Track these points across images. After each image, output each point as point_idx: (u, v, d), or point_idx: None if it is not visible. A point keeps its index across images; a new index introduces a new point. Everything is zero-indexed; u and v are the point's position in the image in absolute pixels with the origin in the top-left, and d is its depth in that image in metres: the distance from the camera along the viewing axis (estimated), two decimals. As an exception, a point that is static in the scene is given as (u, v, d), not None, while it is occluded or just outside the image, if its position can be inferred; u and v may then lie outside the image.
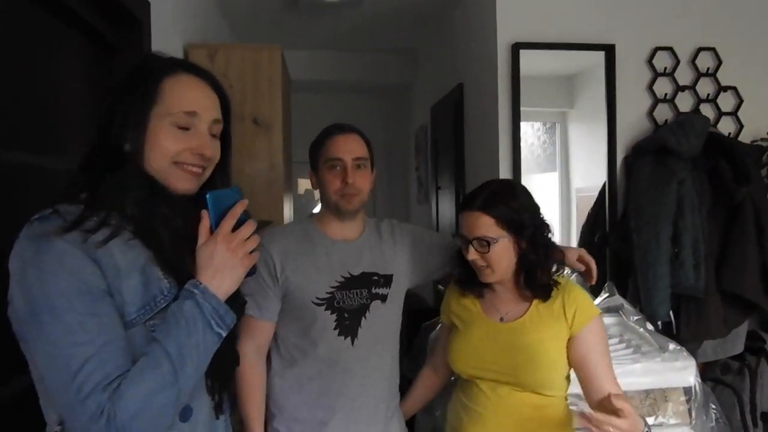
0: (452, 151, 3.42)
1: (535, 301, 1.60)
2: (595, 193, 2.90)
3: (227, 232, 1.01)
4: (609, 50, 2.61)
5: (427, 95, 4.34)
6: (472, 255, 1.55)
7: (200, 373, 0.99)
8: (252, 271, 1.05)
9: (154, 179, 1.02)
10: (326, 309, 1.59)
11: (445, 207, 3.71)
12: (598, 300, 2.45)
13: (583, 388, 1.56)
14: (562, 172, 3.05)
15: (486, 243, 1.54)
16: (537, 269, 1.58)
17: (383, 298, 1.67)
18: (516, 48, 2.56)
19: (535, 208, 1.60)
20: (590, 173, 3.03)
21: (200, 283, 0.98)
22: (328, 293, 1.60)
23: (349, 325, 1.61)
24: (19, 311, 0.90)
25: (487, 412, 1.59)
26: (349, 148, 1.61)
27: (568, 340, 1.56)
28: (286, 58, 2.83)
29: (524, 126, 2.92)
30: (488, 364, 1.58)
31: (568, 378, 1.60)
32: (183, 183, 1.04)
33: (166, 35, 2.23)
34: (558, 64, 2.65)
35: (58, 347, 0.89)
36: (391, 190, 5.58)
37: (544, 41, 2.57)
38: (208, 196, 1.02)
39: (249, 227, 1.03)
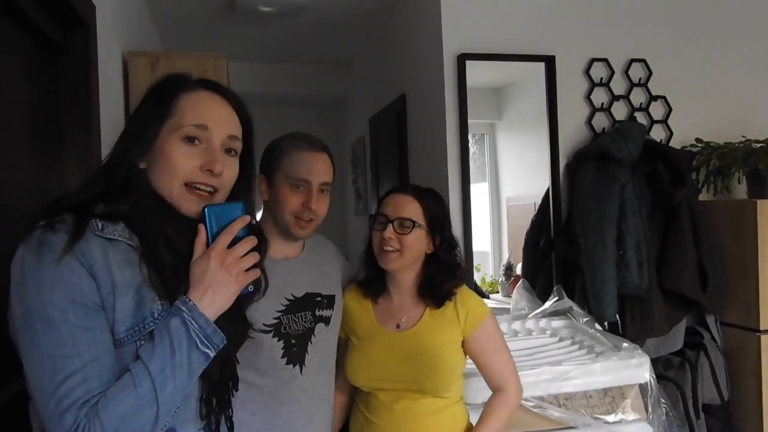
0: (395, 161, 3.43)
1: (429, 308, 1.67)
2: (526, 202, 3.00)
3: (222, 248, 0.97)
4: (549, 61, 2.70)
5: (363, 107, 4.34)
6: (390, 233, 1.60)
7: (183, 393, 0.94)
8: (247, 290, 1.01)
9: (163, 199, 0.99)
10: (273, 336, 1.48)
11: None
12: (548, 303, 2.51)
13: (483, 376, 1.68)
14: (492, 182, 3.13)
15: (408, 225, 1.60)
16: (440, 275, 1.66)
17: (327, 321, 1.58)
18: (462, 59, 2.60)
19: (450, 223, 1.71)
20: (520, 183, 3.12)
21: (189, 301, 0.95)
22: (275, 318, 1.48)
23: (296, 351, 1.50)
24: (14, 316, 0.90)
25: (389, 423, 1.61)
26: (319, 171, 1.51)
27: (463, 341, 1.65)
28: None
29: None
30: (389, 375, 1.61)
31: (461, 377, 1.68)
32: (190, 206, 1.00)
33: (110, 41, 2.13)
34: (485, 76, 2.70)
35: (47, 358, 0.88)
36: (326, 203, 5.53)
37: (489, 52, 2.63)
38: (206, 210, 0.98)
39: (246, 244, 0.99)
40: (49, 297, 0.88)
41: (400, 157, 3.33)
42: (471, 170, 2.67)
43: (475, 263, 2.88)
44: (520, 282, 2.81)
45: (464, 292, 1.69)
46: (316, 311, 1.56)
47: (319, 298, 1.57)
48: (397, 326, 1.67)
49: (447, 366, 1.62)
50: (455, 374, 1.65)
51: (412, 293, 1.69)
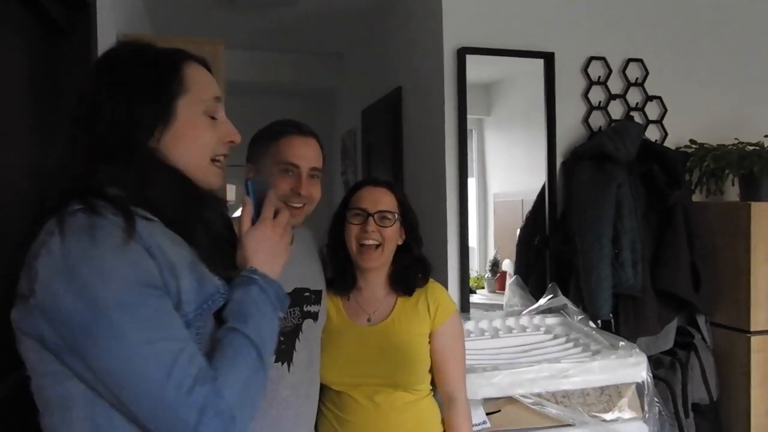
0: (388, 153, 3.41)
1: (400, 299, 1.68)
2: (513, 198, 3.01)
3: (271, 217, 1.00)
4: (549, 58, 2.69)
5: (355, 99, 4.31)
6: (372, 227, 1.60)
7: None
8: None
9: (184, 175, 0.95)
10: None
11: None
12: (543, 300, 2.52)
13: (434, 379, 1.68)
14: (480, 178, 3.12)
15: (390, 218, 1.62)
16: (411, 268, 1.69)
17: (314, 316, 1.56)
18: (462, 53, 2.58)
19: (416, 216, 1.74)
20: (507, 179, 3.13)
21: (257, 269, 0.97)
22: None
23: (285, 349, 1.47)
24: (70, 314, 0.80)
25: (364, 420, 1.61)
26: (308, 156, 1.49)
27: (430, 334, 1.67)
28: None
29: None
30: (363, 370, 1.60)
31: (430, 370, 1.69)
32: (217, 179, 0.99)
33: (107, 22, 2.08)
34: (477, 72, 2.69)
35: (144, 344, 0.81)
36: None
37: (489, 47, 2.61)
38: (249, 183, 1.01)
39: (286, 215, 1.03)
40: (120, 283, 0.82)
41: (394, 150, 3.30)
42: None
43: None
44: (513, 279, 2.81)
45: (435, 286, 1.72)
46: (304, 307, 1.53)
47: (307, 294, 1.55)
48: (368, 320, 1.67)
49: (419, 359, 1.64)
50: (426, 366, 1.66)
51: (383, 285, 1.69)
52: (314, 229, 1.75)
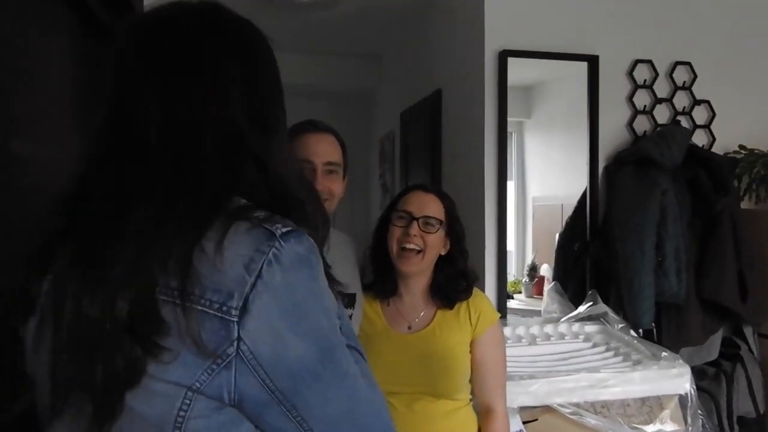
0: (427, 157, 3.40)
1: (441, 309, 1.67)
2: (552, 203, 2.96)
3: None
4: (592, 61, 2.64)
5: (394, 101, 4.31)
6: (415, 231, 1.58)
7: None
8: None
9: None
10: None
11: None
12: (582, 308, 2.47)
13: (473, 389, 1.66)
14: (519, 182, 3.08)
15: (434, 224, 1.60)
16: (453, 281, 1.67)
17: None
18: (504, 55, 2.55)
19: (463, 228, 1.72)
20: (547, 183, 3.08)
21: None
22: None
23: None
24: (301, 361, 0.69)
25: (403, 428, 1.57)
26: (321, 151, 1.48)
27: (471, 343, 1.65)
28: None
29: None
30: (402, 378, 1.58)
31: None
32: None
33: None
34: (515, 74, 2.66)
35: (360, 388, 0.74)
36: (351, 197, 5.51)
37: (531, 50, 2.58)
38: None
39: None
40: (334, 317, 0.74)
41: (433, 152, 3.29)
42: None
43: None
44: (551, 285, 2.77)
45: (478, 294, 1.71)
46: None
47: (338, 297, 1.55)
48: (409, 327, 1.66)
49: (460, 367, 1.62)
50: (467, 376, 1.64)
51: (424, 294, 1.68)
52: (353, 234, 1.76)
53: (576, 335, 2.40)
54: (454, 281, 1.68)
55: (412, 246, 1.59)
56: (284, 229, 0.69)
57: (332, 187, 1.50)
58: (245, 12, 0.85)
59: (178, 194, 0.70)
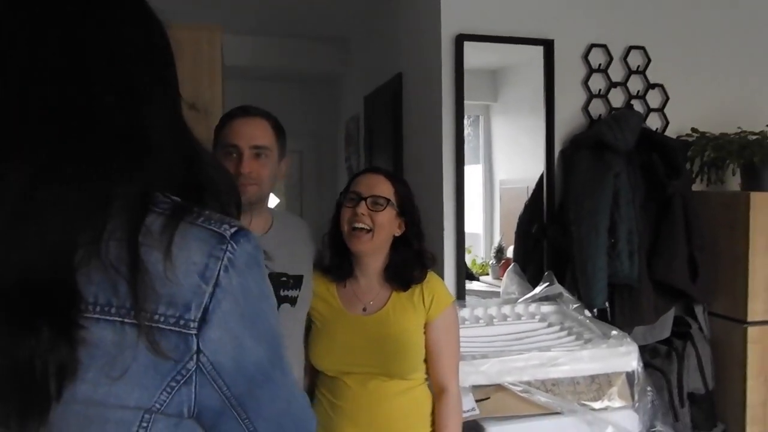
0: (389, 140, 3.40)
1: (396, 291, 1.70)
2: (519, 186, 2.99)
3: None
4: (548, 45, 2.67)
5: (359, 85, 4.30)
6: (363, 210, 1.61)
7: None
8: None
9: None
10: None
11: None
12: (539, 288, 2.52)
13: (427, 369, 1.70)
14: (486, 165, 3.12)
15: (382, 203, 1.62)
16: (409, 261, 1.70)
17: (292, 301, 1.58)
18: (460, 39, 2.56)
19: (418, 210, 1.75)
20: (514, 166, 3.12)
21: None
22: None
23: None
24: (256, 364, 0.67)
25: (356, 406, 1.64)
26: (248, 134, 1.50)
27: (425, 325, 1.69)
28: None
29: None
30: (357, 358, 1.63)
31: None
32: None
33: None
34: (482, 58, 2.68)
35: (295, 391, 0.74)
36: (319, 180, 5.52)
37: (488, 34, 2.59)
38: None
39: None
40: (277, 314, 0.73)
41: (395, 136, 3.30)
42: (465, 152, 2.65)
43: (467, 245, 2.89)
44: (511, 266, 2.81)
45: (432, 278, 1.73)
46: (281, 291, 1.56)
47: (284, 278, 1.57)
48: (364, 309, 1.69)
49: (414, 349, 1.66)
50: (421, 357, 1.68)
51: (379, 276, 1.71)
52: (321, 218, 1.77)
53: (532, 315, 2.45)
54: (409, 264, 1.71)
55: (361, 225, 1.61)
56: (232, 230, 0.66)
57: (260, 171, 1.51)
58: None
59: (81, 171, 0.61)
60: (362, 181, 1.68)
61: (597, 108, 2.77)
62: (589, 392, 1.99)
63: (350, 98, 4.72)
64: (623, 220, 2.45)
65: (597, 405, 1.96)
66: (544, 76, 2.69)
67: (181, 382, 0.62)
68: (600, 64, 2.76)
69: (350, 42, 4.69)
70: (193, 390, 0.63)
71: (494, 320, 2.40)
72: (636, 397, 2.01)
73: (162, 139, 0.67)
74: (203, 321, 0.62)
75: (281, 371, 0.70)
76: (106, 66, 0.65)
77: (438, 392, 1.70)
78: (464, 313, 2.43)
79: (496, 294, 2.76)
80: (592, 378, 2.02)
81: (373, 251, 1.66)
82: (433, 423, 1.68)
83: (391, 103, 3.35)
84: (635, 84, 2.81)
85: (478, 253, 3.11)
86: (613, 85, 2.78)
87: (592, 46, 2.74)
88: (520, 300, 2.52)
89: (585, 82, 2.75)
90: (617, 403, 1.99)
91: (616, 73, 2.79)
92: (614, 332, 2.12)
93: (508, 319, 2.43)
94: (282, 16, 4.04)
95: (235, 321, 0.64)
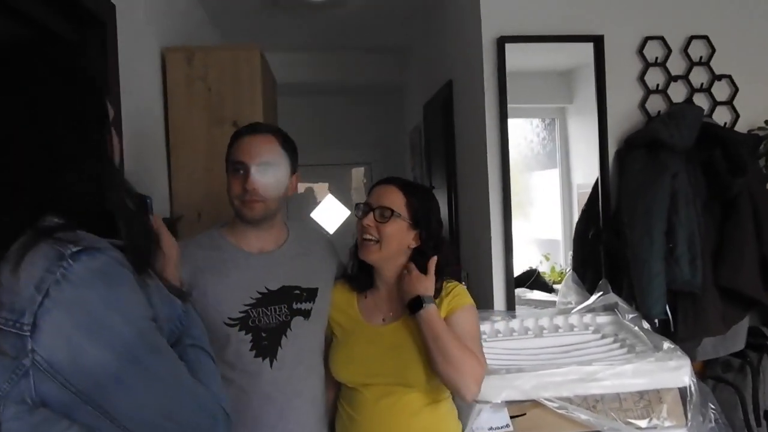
0: (443, 149, 3.35)
1: None
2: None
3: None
4: (597, 41, 2.54)
5: (420, 94, 4.27)
6: (369, 221, 1.57)
7: None
8: None
9: None
10: (240, 329, 1.48)
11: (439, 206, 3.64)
12: (593, 298, 2.38)
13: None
14: (563, 169, 2.98)
15: (387, 214, 1.57)
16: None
17: (306, 314, 1.56)
18: (501, 42, 2.49)
19: (440, 222, 1.68)
20: (590, 168, 2.96)
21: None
22: (241, 312, 1.49)
23: (267, 345, 1.50)
24: (101, 368, 0.76)
25: (371, 421, 1.57)
26: (254, 151, 1.49)
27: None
28: (271, 61, 2.77)
29: (523, 123, 2.88)
30: (375, 369, 1.57)
31: None
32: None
33: (140, 37, 2.18)
34: (553, 59, 2.57)
35: (175, 385, 0.83)
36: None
37: (531, 34, 2.50)
38: (150, 201, 1.01)
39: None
40: (141, 323, 0.80)
41: (447, 144, 3.24)
42: (540, 156, 2.56)
43: (545, 252, 2.84)
44: (568, 274, 2.68)
45: (452, 284, 1.67)
46: (293, 304, 1.55)
47: (297, 291, 1.56)
48: (383, 320, 1.65)
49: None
50: None
51: (397, 287, 1.65)
52: None
53: (586, 327, 2.32)
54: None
55: (367, 236, 1.58)
56: (75, 249, 0.76)
57: (267, 188, 1.51)
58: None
59: None
60: (374, 191, 1.65)
61: (656, 104, 2.60)
62: (636, 409, 1.85)
63: (412, 108, 4.69)
64: (682, 223, 2.28)
65: (644, 423, 1.81)
66: (595, 74, 2.56)
67: (21, 374, 0.74)
68: (657, 58, 2.59)
69: (410, 51, 4.67)
70: (32, 382, 0.75)
71: (544, 331, 2.29)
72: (689, 415, 1.84)
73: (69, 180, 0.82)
74: (35, 326, 0.74)
75: (142, 377, 0.79)
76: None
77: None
78: (514, 324, 2.34)
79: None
80: (641, 394, 1.88)
81: (384, 261, 1.62)
82: None
83: (442, 110, 3.30)
84: (698, 76, 2.61)
85: (557, 261, 2.98)
86: (673, 79, 2.60)
87: (647, 38, 2.57)
88: (574, 310, 2.40)
89: (641, 78, 2.59)
90: (667, 422, 1.83)
91: (677, 66, 2.60)
92: (666, 345, 1.96)
93: (560, 330, 2.31)
94: (338, 31, 4.07)
95: (68, 327, 0.75)
